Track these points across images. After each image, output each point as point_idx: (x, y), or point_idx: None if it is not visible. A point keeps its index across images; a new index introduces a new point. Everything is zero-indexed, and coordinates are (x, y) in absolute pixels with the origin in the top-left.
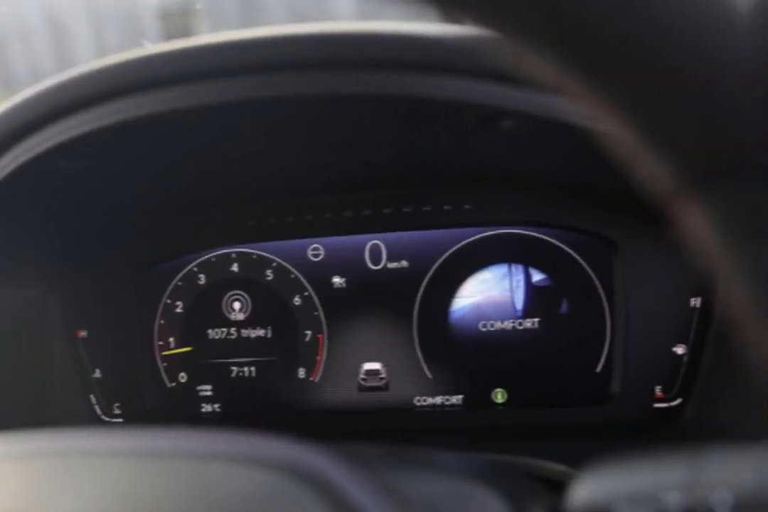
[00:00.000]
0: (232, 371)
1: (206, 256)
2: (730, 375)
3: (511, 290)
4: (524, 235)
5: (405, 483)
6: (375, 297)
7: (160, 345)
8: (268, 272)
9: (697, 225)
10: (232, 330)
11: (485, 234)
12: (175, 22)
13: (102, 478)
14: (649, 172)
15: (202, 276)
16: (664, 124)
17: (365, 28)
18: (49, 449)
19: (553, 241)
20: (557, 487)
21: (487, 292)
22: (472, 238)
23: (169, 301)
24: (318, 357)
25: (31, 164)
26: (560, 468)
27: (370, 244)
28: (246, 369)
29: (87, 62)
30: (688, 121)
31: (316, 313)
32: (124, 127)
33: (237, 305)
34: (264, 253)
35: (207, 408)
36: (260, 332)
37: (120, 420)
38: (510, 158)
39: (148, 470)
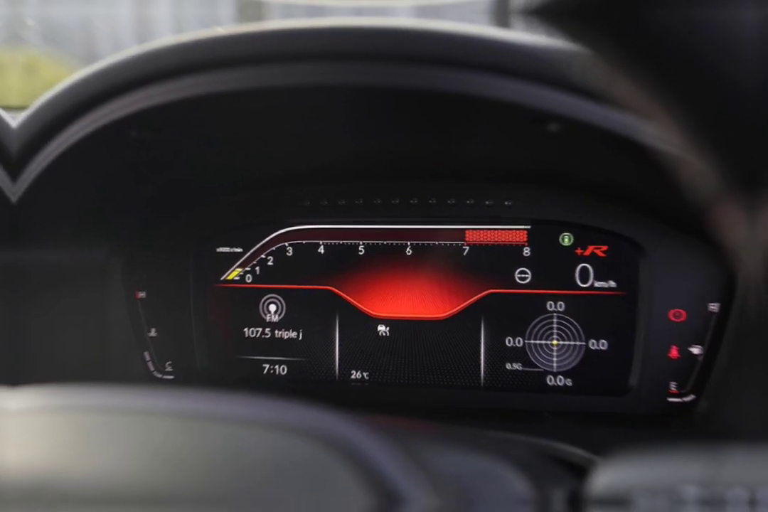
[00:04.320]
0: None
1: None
2: (743, 377)
3: None
4: None
5: (434, 456)
6: None
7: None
8: None
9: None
10: None
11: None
12: (249, 13)
13: (139, 435)
14: (697, 176)
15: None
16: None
17: (429, 26)
18: (94, 405)
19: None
20: (578, 471)
21: None
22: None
23: None
24: None
25: (101, 132)
26: (581, 452)
27: None
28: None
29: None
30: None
31: None
32: (192, 103)
33: None
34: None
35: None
36: (304, 308)
37: (171, 377)
38: (554, 162)
39: (185, 431)
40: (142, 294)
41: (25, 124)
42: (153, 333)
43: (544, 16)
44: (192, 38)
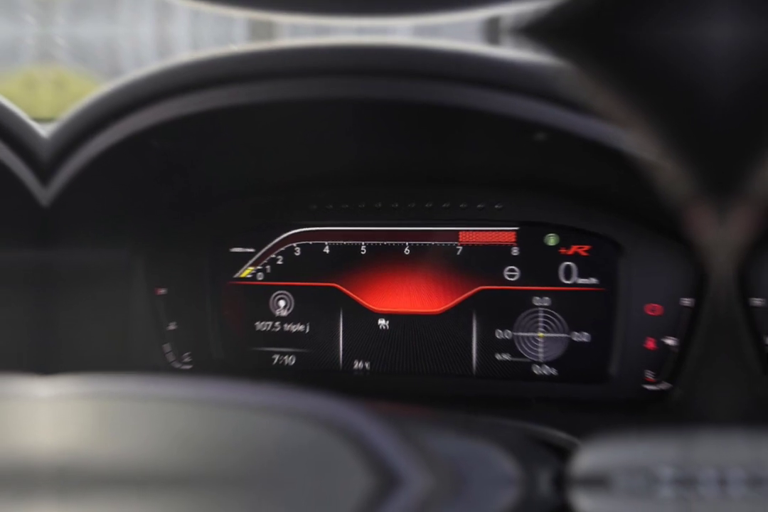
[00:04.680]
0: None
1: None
2: (714, 366)
3: None
4: None
5: (429, 440)
6: None
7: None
8: None
9: (708, 225)
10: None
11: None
12: (260, 32)
13: (160, 420)
14: (672, 181)
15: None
16: (694, 143)
17: (427, 44)
18: (119, 392)
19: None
20: (562, 454)
21: None
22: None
23: None
24: None
25: (125, 141)
26: (564, 436)
27: None
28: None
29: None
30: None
31: None
32: (208, 115)
33: None
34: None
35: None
36: (311, 303)
37: (189, 367)
38: (541, 168)
39: (202, 416)
40: (162, 291)
41: (55, 135)
42: (172, 326)
43: (531, 34)
44: (208, 55)
